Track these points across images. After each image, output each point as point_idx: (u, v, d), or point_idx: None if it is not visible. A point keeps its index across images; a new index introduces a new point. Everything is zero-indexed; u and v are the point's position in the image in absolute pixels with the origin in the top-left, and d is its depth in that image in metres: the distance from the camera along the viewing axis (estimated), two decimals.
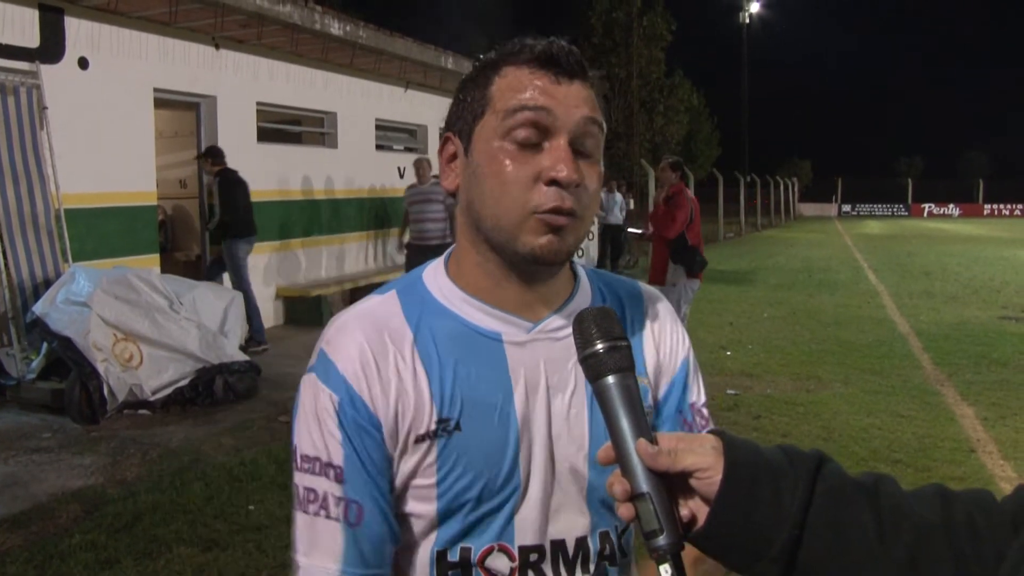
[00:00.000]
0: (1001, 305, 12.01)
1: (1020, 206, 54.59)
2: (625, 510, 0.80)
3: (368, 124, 12.10)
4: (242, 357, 6.76)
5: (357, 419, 1.00)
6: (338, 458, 1.00)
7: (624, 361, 0.85)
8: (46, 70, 7.06)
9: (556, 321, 1.08)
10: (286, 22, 8.83)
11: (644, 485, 0.79)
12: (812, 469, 0.80)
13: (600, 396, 0.84)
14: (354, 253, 11.66)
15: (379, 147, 12.56)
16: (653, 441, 0.80)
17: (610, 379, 0.83)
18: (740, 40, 54.30)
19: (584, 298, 1.12)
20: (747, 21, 53.74)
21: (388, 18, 12.88)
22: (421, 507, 1.03)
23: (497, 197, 1.00)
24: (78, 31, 7.47)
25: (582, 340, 0.87)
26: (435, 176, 9.41)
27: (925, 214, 53.23)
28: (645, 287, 1.22)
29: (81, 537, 3.97)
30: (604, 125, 1.03)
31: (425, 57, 11.75)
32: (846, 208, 55.08)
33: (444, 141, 1.10)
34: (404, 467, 1.02)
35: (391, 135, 13.13)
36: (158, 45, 8.34)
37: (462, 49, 13.76)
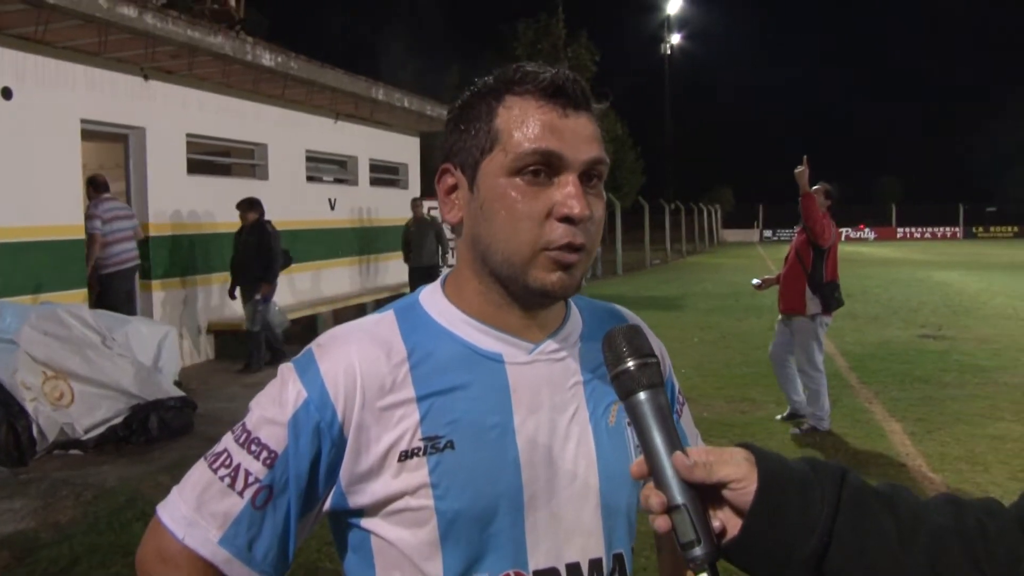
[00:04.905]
0: (920, 324, 12.46)
1: (930, 230, 56.94)
2: (662, 522, 0.81)
3: (299, 155, 12.04)
4: (177, 393, 6.61)
5: (320, 423, 0.99)
6: (278, 446, 0.99)
7: (655, 377, 0.86)
8: None
9: (553, 344, 1.09)
10: (217, 53, 8.76)
11: (680, 497, 0.80)
12: (837, 479, 0.84)
13: (632, 412, 0.85)
14: (285, 286, 11.51)
15: (310, 178, 12.50)
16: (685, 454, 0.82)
17: (642, 395, 0.85)
18: (663, 70, 55.67)
19: (576, 322, 1.14)
20: (669, 52, 55.18)
21: (317, 50, 12.84)
22: (421, 532, 1.00)
23: (508, 233, 1.00)
24: (2, 61, 7.30)
25: (613, 357, 0.88)
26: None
27: (843, 237, 54.91)
28: (623, 309, 1.26)
29: None
30: (608, 161, 1.04)
31: (356, 88, 11.76)
32: (767, 233, 56.43)
33: (442, 172, 1.08)
34: (392, 486, 1.00)
35: (322, 166, 13.08)
36: (85, 75, 8.19)
37: (393, 81, 13.84)
